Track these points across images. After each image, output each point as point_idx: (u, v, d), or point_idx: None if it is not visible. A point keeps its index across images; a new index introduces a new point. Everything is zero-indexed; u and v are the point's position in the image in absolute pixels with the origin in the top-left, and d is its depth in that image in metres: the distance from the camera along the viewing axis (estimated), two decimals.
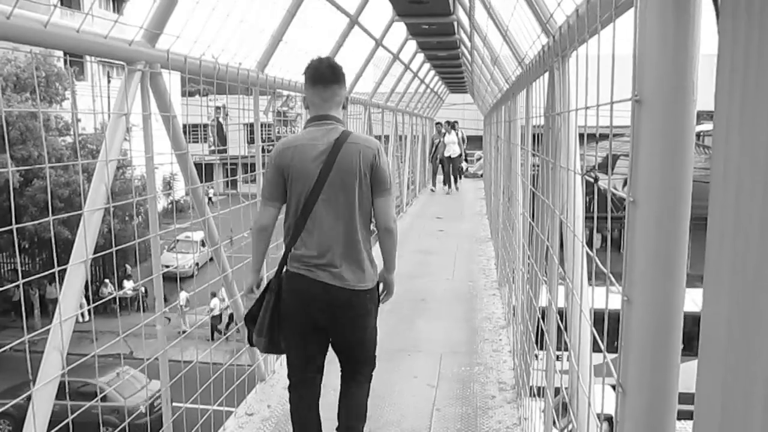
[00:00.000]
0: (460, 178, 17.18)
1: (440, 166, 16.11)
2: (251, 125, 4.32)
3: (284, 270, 2.83)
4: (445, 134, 15.70)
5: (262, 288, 2.99)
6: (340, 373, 3.15)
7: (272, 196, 2.82)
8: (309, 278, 2.74)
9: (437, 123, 17.01)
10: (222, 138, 36.16)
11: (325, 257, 2.72)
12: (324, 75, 2.83)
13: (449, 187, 15.84)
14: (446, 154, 15.45)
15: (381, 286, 2.98)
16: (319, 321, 2.82)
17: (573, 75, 2.35)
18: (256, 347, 3.07)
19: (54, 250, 2.14)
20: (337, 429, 3.08)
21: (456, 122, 17.12)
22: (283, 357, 3.63)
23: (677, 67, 1.13)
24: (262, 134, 4.29)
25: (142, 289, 20.14)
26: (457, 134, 15.92)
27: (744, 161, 0.86)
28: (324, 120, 2.80)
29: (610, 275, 1.45)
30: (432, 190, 16.56)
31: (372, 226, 2.88)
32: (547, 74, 2.78)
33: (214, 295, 19.86)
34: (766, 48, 0.82)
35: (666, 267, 1.19)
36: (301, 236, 2.75)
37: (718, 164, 0.91)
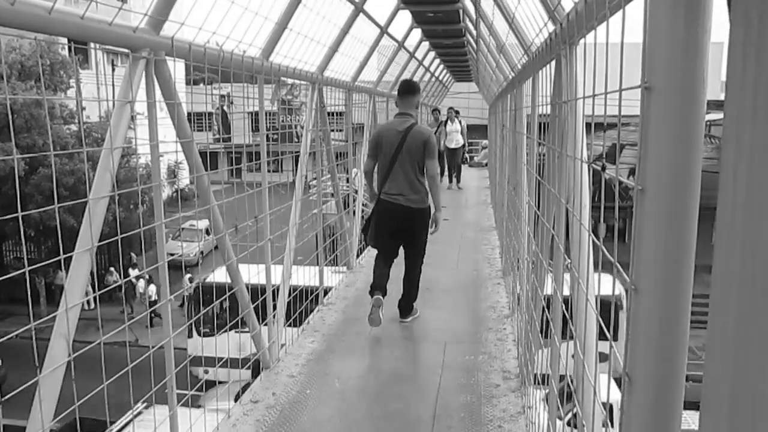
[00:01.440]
0: (466, 162, 15.89)
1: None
2: (256, 114, 4.31)
3: (378, 199, 5.17)
4: (447, 122, 14.25)
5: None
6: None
7: (372, 154, 5.23)
8: (392, 202, 5.05)
9: (434, 110, 15.38)
10: (226, 126, 36.14)
11: (399, 191, 5.03)
12: (403, 90, 5.24)
13: (449, 182, 14.47)
14: (448, 145, 14.05)
15: (433, 224, 5.24)
16: (396, 224, 5.12)
17: (580, 63, 2.32)
18: (369, 244, 5.54)
19: (60, 238, 2.14)
20: (402, 295, 5.32)
21: (458, 111, 15.82)
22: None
23: (688, 55, 1.11)
24: (266, 123, 4.28)
25: (141, 282, 20.33)
26: (460, 123, 14.54)
27: (756, 151, 0.85)
28: (403, 115, 5.14)
29: (617, 264, 1.44)
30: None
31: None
32: (553, 62, 2.76)
33: (150, 281, 20.08)
34: None
35: (674, 256, 1.17)
36: (387, 180, 5.07)
37: (728, 154, 0.90)
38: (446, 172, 14.56)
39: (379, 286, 5.08)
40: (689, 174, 1.15)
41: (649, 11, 1.16)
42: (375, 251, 5.44)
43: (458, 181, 14.50)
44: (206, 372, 14.22)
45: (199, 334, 14.34)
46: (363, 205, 5.29)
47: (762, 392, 0.86)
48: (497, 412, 3.75)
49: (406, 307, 5.32)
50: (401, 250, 5.34)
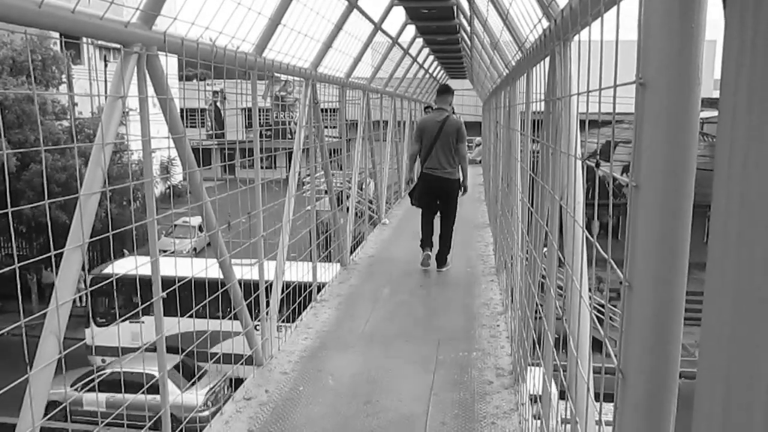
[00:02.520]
0: None
1: None
2: (249, 110, 4.28)
3: (421, 172, 6.90)
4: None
5: (413, 182, 7.19)
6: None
7: (417, 140, 6.90)
8: (432, 174, 6.75)
9: (427, 107, 14.95)
10: (219, 122, 36.03)
11: (437, 166, 6.71)
12: (441, 90, 7.15)
13: None
14: None
15: (462, 189, 6.96)
16: (434, 191, 6.83)
17: (575, 59, 2.32)
18: (414, 204, 7.13)
19: (50, 235, 2.12)
20: (438, 251, 6.93)
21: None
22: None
23: (682, 50, 1.11)
24: (260, 119, 4.25)
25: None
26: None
27: (751, 148, 0.84)
28: (439, 110, 6.91)
29: (611, 261, 1.44)
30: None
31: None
32: (547, 59, 2.75)
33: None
34: None
35: (668, 252, 1.17)
36: (428, 158, 6.72)
37: (723, 152, 0.89)
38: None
39: (427, 243, 6.93)
40: (684, 170, 1.14)
41: (644, 7, 1.15)
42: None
43: None
44: (104, 361, 14.56)
45: (97, 324, 14.64)
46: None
47: (756, 388, 0.86)
48: (491, 409, 3.75)
49: (441, 260, 6.90)
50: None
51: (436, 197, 6.84)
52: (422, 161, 6.85)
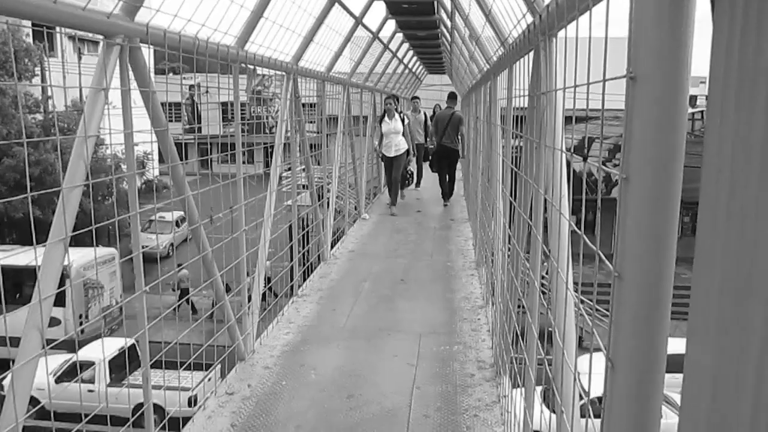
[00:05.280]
0: (410, 183, 11.83)
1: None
2: (224, 104, 4.25)
3: (438, 145, 10.91)
4: (384, 117, 10.17)
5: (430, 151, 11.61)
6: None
7: (434, 126, 11.29)
8: (445, 146, 10.77)
9: (388, 98, 10.40)
10: (196, 117, 35.68)
11: (448, 141, 10.75)
12: (450, 96, 11.42)
13: (394, 198, 10.35)
14: (386, 153, 10.15)
15: (461, 156, 10.95)
16: (446, 156, 10.82)
17: (560, 54, 2.34)
18: (432, 169, 11.22)
19: (32, 228, 2.09)
20: (448, 191, 11.20)
21: (416, 99, 12.93)
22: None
23: (673, 44, 1.13)
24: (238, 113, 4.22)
25: None
26: (403, 120, 10.28)
27: (739, 147, 0.86)
28: (449, 107, 11.08)
29: (600, 253, 1.46)
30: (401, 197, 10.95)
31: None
32: (531, 54, 2.78)
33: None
34: (765, 25, 0.82)
35: (657, 243, 1.19)
36: (443, 137, 10.73)
37: (711, 148, 0.91)
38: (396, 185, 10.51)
39: (445, 194, 11.01)
40: (673, 162, 1.17)
41: (635, 1, 1.17)
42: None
43: (399, 196, 10.65)
44: None
45: None
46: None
47: (743, 374, 0.87)
48: (473, 401, 3.79)
49: (448, 196, 11.03)
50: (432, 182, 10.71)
51: (447, 161, 10.75)
52: (439, 139, 10.69)
